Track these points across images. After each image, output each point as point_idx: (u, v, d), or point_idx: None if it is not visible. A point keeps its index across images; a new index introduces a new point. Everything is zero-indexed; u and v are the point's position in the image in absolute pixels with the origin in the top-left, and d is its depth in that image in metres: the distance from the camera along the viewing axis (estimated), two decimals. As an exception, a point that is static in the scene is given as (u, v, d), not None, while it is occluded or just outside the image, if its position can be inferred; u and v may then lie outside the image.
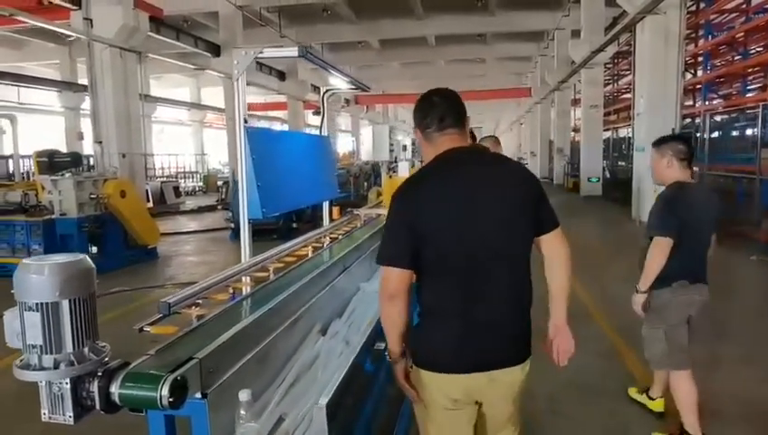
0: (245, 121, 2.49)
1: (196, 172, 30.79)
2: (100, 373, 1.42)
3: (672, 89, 10.99)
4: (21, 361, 1.38)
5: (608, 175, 19.18)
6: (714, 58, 14.79)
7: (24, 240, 7.93)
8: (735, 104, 13.57)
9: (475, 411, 1.90)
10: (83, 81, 14.70)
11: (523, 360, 1.86)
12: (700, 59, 14.77)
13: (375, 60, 26.83)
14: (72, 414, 1.40)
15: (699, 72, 15.14)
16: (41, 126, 26.23)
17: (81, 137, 18.75)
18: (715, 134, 11.97)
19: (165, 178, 24.00)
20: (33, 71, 23.27)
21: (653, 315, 3.09)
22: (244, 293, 2.25)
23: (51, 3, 12.01)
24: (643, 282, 3.00)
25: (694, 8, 13.65)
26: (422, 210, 1.75)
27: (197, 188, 27.14)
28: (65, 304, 1.36)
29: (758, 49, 13.52)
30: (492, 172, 1.85)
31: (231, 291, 2.25)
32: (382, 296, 1.81)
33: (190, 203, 18.49)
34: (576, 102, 23.49)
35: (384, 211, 4.41)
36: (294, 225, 10.49)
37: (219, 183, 20.35)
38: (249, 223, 2.59)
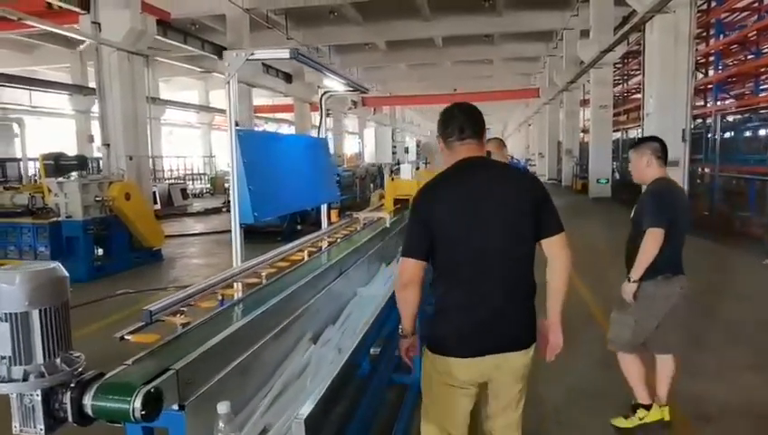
0: (237, 124, 2.44)
1: (204, 174, 30.89)
2: (72, 385, 1.38)
3: (682, 89, 10.82)
4: (-10, 372, 1.34)
5: (617, 176, 18.96)
6: (725, 57, 14.57)
7: (31, 242, 7.97)
8: (747, 104, 13.36)
9: (475, 394, 2.13)
10: (94, 84, 14.80)
11: (526, 346, 2.09)
12: (711, 58, 14.56)
13: (382, 61, 26.79)
14: (43, 427, 1.36)
15: (710, 72, 14.92)
16: (52, 129, 26.51)
17: (91, 139, 18.85)
18: (727, 135, 11.79)
19: (173, 181, 24.10)
20: (45, 74, 23.52)
21: (633, 304, 3.22)
22: (232, 299, 2.21)
23: (60, 7, 12.11)
24: (636, 271, 3.12)
25: (705, 7, 13.44)
26: (435, 211, 2.03)
27: (205, 190, 27.24)
28: (35, 314, 1.32)
29: (771, 48, 13.34)
30: (499, 180, 2.10)
31: (220, 297, 2.20)
32: (398, 283, 2.10)
33: (197, 205, 18.54)
34: (585, 103, 23.28)
35: (383, 214, 4.36)
36: (299, 226, 10.46)
37: (226, 185, 20.39)
38: (242, 227, 2.54)
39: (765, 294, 6.70)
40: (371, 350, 2.90)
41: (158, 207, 16.03)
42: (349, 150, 32.29)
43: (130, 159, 12.07)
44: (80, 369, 1.40)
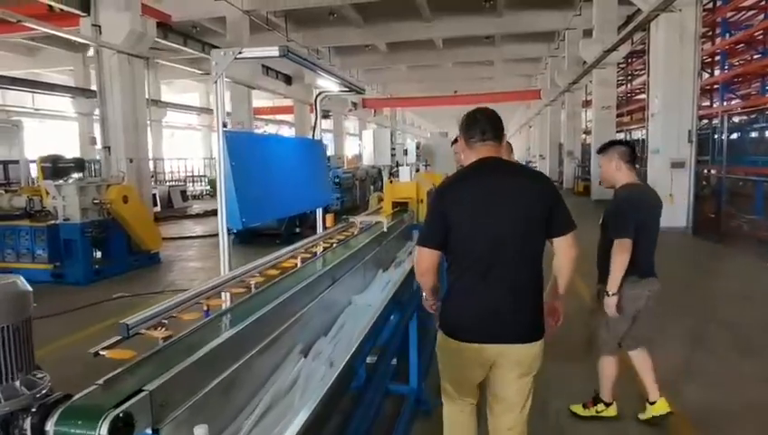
0: (224, 126, 2.33)
1: (204, 176, 30.84)
2: (34, 409, 1.27)
3: (688, 89, 10.69)
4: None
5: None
6: (731, 57, 14.41)
7: (29, 245, 7.88)
8: (754, 105, 13.20)
9: (486, 371, 2.30)
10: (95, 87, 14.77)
11: (528, 341, 2.22)
12: (717, 58, 14.39)
13: (382, 63, 26.69)
14: (1, 456, 1.26)
15: (716, 72, 14.76)
16: (56, 132, 26.52)
17: (93, 142, 18.88)
18: (734, 136, 11.64)
19: (174, 183, 24.03)
20: (48, 77, 23.51)
21: (600, 309, 3.31)
22: (217, 311, 2.09)
23: (62, 10, 12.08)
24: (613, 285, 3.17)
25: (710, 6, 13.29)
26: (453, 205, 2.20)
27: (205, 192, 27.18)
28: (-8, 333, 1.21)
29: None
30: (514, 179, 2.27)
31: (205, 308, 2.09)
32: (417, 270, 2.36)
33: (197, 207, 18.47)
34: (587, 104, 23.11)
35: (380, 218, 4.24)
36: (297, 229, 10.36)
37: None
38: (229, 234, 2.43)
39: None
40: (368, 359, 2.80)
41: (157, 209, 15.96)
42: (349, 152, 32.18)
43: (131, 161, 12.02)
44: (43, 391, 1.30)
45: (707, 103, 15.00)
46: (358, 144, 32.73)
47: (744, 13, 13.93)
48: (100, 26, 11.88)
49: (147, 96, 13.74)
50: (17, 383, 1.25)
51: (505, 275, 2.17)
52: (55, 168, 7.94)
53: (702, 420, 3.58)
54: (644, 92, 18.96)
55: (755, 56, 13.69)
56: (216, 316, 2.01)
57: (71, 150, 19.81)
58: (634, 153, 3.43)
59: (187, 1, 17.24)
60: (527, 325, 2.22)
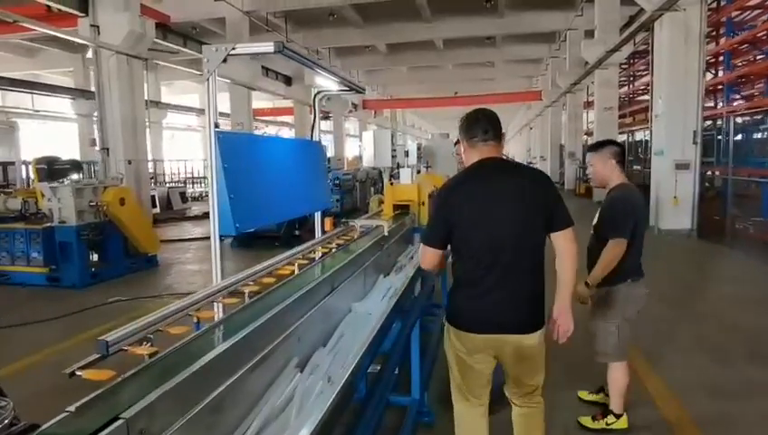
0: (216, 126, 2.21)
1: (204, 178, 30.73)
2: (-4, 440, 1.15)
3: (693, 89, 10.55)
4: None
5: (623, 181, 18.63)
6: (736, 57, 14.28)
7: (24, 248, 7.76)
8: (759, 105, 13.07)
9: (491, 363, 2.43)
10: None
11: (529, 331, 2.33)
12: (721, 58, 14.27)
13: (382, 64, 26.59)
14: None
15: (720, 73, 14.64)
16: (56, 133, 26.41)
17: (93, 143, 18.71)
18: (738, 137, 11.51)
19: (173, 184, 23.92)
20: (48, 78, 23.41)
21: (610, 310, 3.25)
22: (208, 323, 1.96)
23: (60, 10, 11.98)
24: (595, 278, 3.15)
25: (714, 5, 13.16)
26: (454, 206, 2.29)
27: (204, 193, 27.08)
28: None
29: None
30: (514, 178, 2.34)
31: (195, 320, 1.96)
32: (421, 265, 2.56)
33: (196, 208, 18.34)
34: (589, 105, 22.98)
35: (381, 222, 4.10)
36: (297, 232, 10.24)
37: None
38: (221, 240, 2.30)
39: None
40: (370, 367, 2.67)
41: (157, 210, 15.84)
42: (350, 154, 32.08)
43: (129, 163, 11.92)
44: (5, 421, 1.17)
45: (711, 104, 14.87)
46: (358, 145, 32.61)
47: (748, 12, 13.80)
48: (98, 27, 11.81)
49: (146, 97, 13.63)
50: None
51: (507, 270, 2.27)
52: (51, 169, 7.81)
53: (712, 431, 3.44)
54: (646, 93, 18.87)
55: (759, 57, 13.56)
56: (206, 330, 1.88)
57: (71, 152, 19.77)
58: (624, 154, 3.43)
59: (187, 2, 17.14)
60: (527, 316, 2.34)
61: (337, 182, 16.39)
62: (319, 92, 3.69)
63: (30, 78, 20.86)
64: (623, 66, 20.12)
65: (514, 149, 51.65)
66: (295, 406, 1.84)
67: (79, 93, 20.70)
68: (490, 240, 2.26)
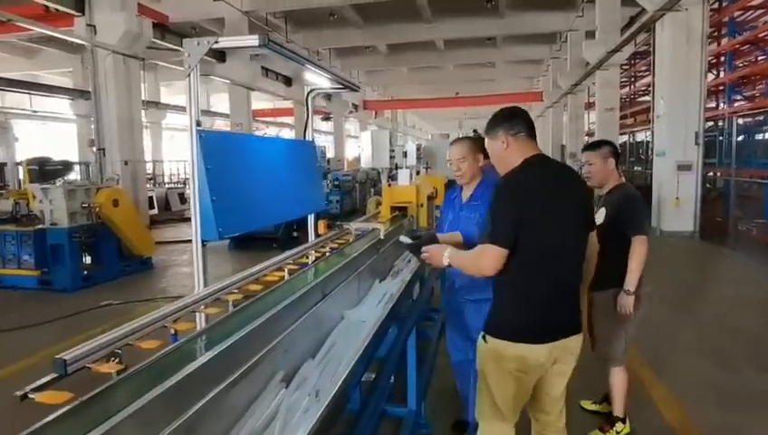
0: (198, 124, 2.08)
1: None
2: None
3: (695, 89, 10.43)
4: None
5: (623, 180, 18.55)
6: (738, 58, 14.16)
7: (15, 251, 7.62)
8: (761, 106, 12.95)
9: (534, 380, 2.26)
10: (92, 88, 14.57)
11: (579, 331, 2.29)
12: (723, 59, 14.15)
13: (383, 65, 26.48)
14: None
15: (722, 73, 14.51)
16: (55, 133, 26.30)
17: (91, 144, 18.56)
18: (740, 138, 11.39)
19: (173, 185, 23.81)
20: (47, 79, 23.29)
21: (619, 314, 3.14)
22: (186, 336, 1.83)
23: (57, 10, 11.89)
24: (632, 282, 3.06)
25: (716, 5, 13.03)
26: (528, 200, 2.11)
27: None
28: None
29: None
30: (568, 177, 2.31)
31: (172, 332, 1.83)
32: (477, 270, 2.16)
33: (196, 210, 18.19)
34: (590, 106, 22.87)
35: (377, 225, 3.97)
36: (295, 233, 10.10)
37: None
38: (204, 245, 2.17)
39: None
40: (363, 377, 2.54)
41: (155, 211, 15.71)
42: (351, 154, 31.97)
43: (126, 163, 11.81)
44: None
45: (713, 105, 14.75)
46: (357, 146, 32.49)
47: (751, 12, 13.68)
48: (94, 26, 11.72)
49: (144, 97, 13.52)
50: None
51: (563, 269, 2.20)
52: (42, 170, 7.67)
53: None
54: (648, 94, 18.76)
55: (761, 57, 13.45)
56: (181, 343, 1.75)
57: (69, 153, 19.63)
58: (618, 154, 3.42)
59: (186, 1, 17.05)
60: (579, 316, 2.31)
61: (337, 183, 16.29)
62: (312, 90, 3.56)
63: (29, 78, 20.74)
64: (624, 67, 20.00)
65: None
66: (278, 424, 1.71)
67: (77, 94, 20.55)
68: (554, 238, 2.15)
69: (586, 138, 23.96)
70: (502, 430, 2.34)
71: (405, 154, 6.25)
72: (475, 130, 9.77)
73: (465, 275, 2.65)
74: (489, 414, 2.32)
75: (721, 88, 14.28)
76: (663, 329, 5.28)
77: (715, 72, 14.61)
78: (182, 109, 27.20)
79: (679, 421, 3.53)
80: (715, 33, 13.86)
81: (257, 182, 2.60)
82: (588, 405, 3.72)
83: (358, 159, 26.23)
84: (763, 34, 12.63)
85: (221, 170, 2.18)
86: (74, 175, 15.39)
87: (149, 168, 21.29)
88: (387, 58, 25.09)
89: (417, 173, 9.18)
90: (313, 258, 3.14)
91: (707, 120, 11.99)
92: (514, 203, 2.10)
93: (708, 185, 11.89)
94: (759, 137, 12.22)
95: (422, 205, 5.58)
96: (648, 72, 18.26)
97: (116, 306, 6.53)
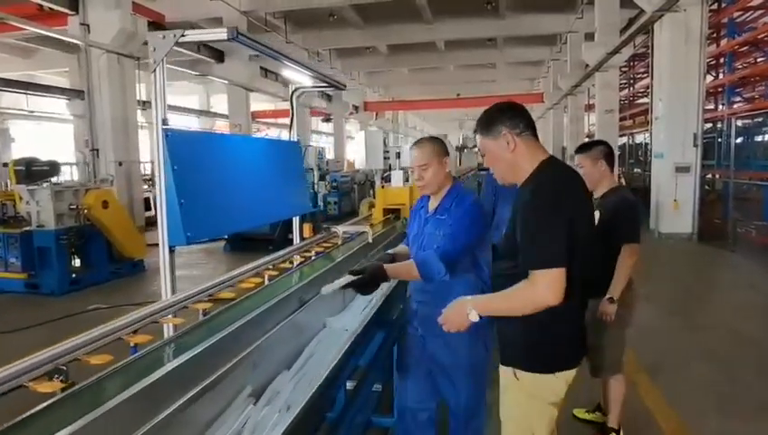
0: (165, 123, 1.96)
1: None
2: None
3: (693, 91, 10.33)
4: None
5: (623, 182, 18.49)
6: (737, 59, 14.04)
7: (2, 253, 7.49)
8: (760, 108, 12.83)
9: None
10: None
11: None
12: (722, 60, 14.03)
13: (383, 66, 26.39)
14: None
15: (721, 75, 14.40)
16: (52, 134, 26.18)
17: (86, 144, 18.47)
18: (739, 139, 11.28)
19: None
20: (44, 79, 23.16)
21: (619, 320, 3.04)
22: (145, 348, 1.71)
23: (51, 9, 11.80)
24: (617, 291, 2.97)
25: (715, 6, 12.91)
26: (574, 209, 1.82)
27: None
28: None
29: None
30: (582, 182, 2.04)
31: (132, 345, 1.71)
32: (541, 303, 1.75)
33: (192, 211, 18.05)
34: (590, 108, 22.79)
35: (365, 228, 3.85)
36: (291, 235, 9.96)
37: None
38: (172, 251, 2.05)
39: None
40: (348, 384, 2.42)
41: (151, 213, 15.56)
42: (352, 156, 31.86)
43: (120, 164, 11.70)
44: None
45: (712, 106, 14.64)
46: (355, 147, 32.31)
47: (750, 13, 13.56)
48: (88, 25, 11.63)
49: (141, 97, 13.43)
50: None
51: (584, 286, 1.95)
52: (29, 171, 7.54)
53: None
54: (647, 96, 18.64)
55: (761, 58, 13.32)
56: (137, 358, 1.62)
57: (66, 153, 19.48)
58: (613, 154, 3.28)
59: (183, 1, 16.95)
60: None
61: (335, 184, 16.19)
62: (297, 89, 3.44)
63: (26, 78, 20.63)
64: (623, 69, 19.92)
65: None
66: (241, 446, 1.59)
67: (74, 94, 20.44)
68: (587, 251, 1.91)
69: (586, 139, 23.87)
70: None
71: (398, 155, 6.14)
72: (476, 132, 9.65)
73: (432, 302, 2.42)
74: None
75: (720, 89, 14.17)
76: (660, 334, 5.17)
77: (714, 74, 14.49)
78: (181, 109, 27.27)
79: (676, 432, 3.41)
80: (715, 35, 13.74)
81: (232, 184, 2.48)
82: (581, 414, 3.60)
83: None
84: (762, 35, 12.48)
85: (190, 171, 2.06)
86: (69, 176, 15.29)
87: (148, 168, 21.14)
88: (387, 59, 25.00)
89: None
90: (297, 263, 3.01)
91: (706, 121, 11.87)
92: (565, 211, 1.78)
93: (707, 187, 11.78)
94: (758, 138, 12.09)
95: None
96: (646, 75, 18.15)
97: (103, 311, 6.40)
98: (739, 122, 11.69)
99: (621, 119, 20.17)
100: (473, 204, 2.50)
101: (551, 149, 22.55)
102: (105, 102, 11.77)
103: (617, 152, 18.25)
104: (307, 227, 3.61)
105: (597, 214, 3.11)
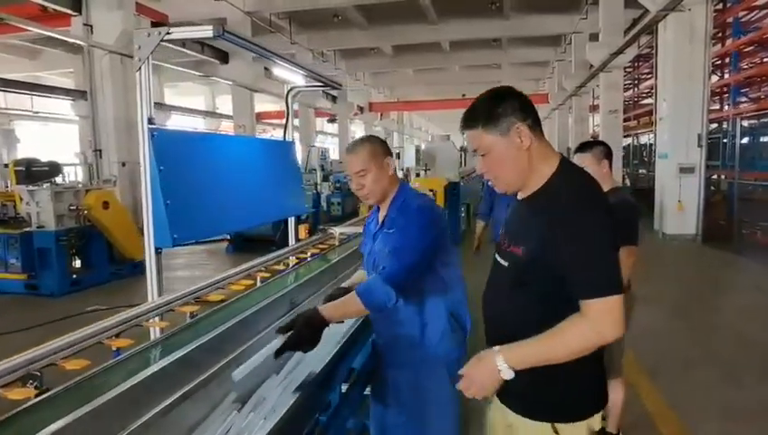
0: (150, 122, 1.92)
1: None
2: None
3: (698, 91, 10.24)
4: None
5: (627, 183, 18.40)
6: (743, 59, 13.93)
7: (1, 254, 7.49)
8: (766, 108, 12.72)
9: None
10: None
11: None
12: (727, 60, 13.92)
13: (388, 66, 26.39)
14: None
15: (726, 74, 14.28)
16: (57, 135, 26.30)
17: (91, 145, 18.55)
18: (745, 140, 11.19)
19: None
20: (50, 80, 23.27)
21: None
22: (127, 351, 1.67)
23: (55, 10, 11.84)
24: None
25: (720, 5, 12.82)
26: (615, 222, 1.48)
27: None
28: None
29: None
30: None
31: (114, 348, 1.68)
32: (606, 340, 1.43)
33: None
34: (594, 108, 22.70)
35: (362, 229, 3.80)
36: (293, 237, 9.93)
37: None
38: (158, 253, 2.02)
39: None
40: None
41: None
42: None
43: (123, 165, 11.71)
44: None
45: (717, 107, 14.53)
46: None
47: (756, 12, 13.46)
48: (91, 26, 11.66)
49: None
50: None
51: None
52: (29, 171, 7.54)
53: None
54: (651, 97, 18.53)
55: (766, 58, 13.21)
56: (118, 361, 1.59)
57: (71, 154, 19.54)
58: (612, 154, 3.21)
59: (186, 1, 16.98)
60: None
61: (338, 185, 16.16)
62: (292, 89, 3.41)
63: (31, 79, 20.74)
64: (627, 69, 19.83)
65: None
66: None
67: (78, 95, 20.52)
68: None
69: (591, 140, 23.75)
70: None
71: (398, 155, 6.07)
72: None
73: (391, 325, 2.17)
74: None
75: (725, 89, 14.06)
76: (662, 336, 5.10)
77: (719, 74, 14.37)
78: (187, 110, 27.35)
79: (676, 436, 3.36)
80: (720, 34, 13.64)
81: (221, 184, 2.44)
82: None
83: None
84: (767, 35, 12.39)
85: (176, 172, 2.03)
86: (74, 177, 15.33)
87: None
88: (392, 60, 25.00)
89: (418, 175, 9.00)
90: (291, 264, 2.98)
91: (711, 121, 11.79)
92: (611, 223, 1.47)
93: (712, 187, 11.69)
94: (764, 139, 11.98)
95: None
96: (650, 75, 18.06)
97: (102, 312, 6.36)
98: (744, 123, 11.59)
99: (626, 119, 20.08)
100: (418, 209, 2.08)
101: (555, 149, 22.44)
102: (108, 103, 11.82)
103: (621, 153, 18.19)
104: (303, 229, 3.58)
105: None
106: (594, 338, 1.42)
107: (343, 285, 2.34)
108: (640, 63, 20.13)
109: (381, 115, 34.15)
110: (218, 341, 1.86)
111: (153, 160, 1.96)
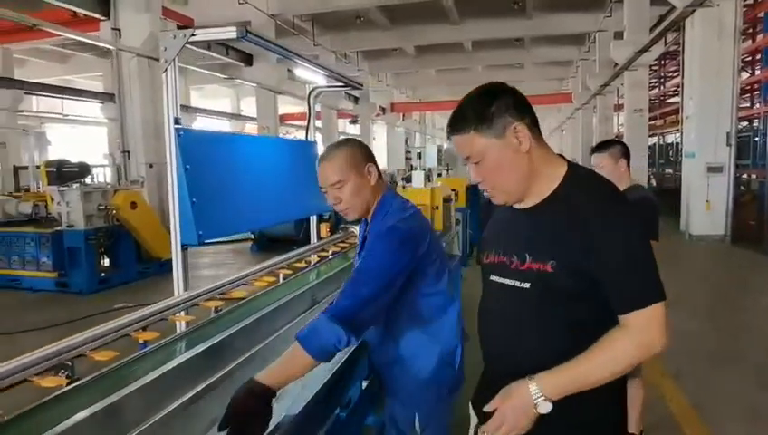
0: (177, 122, 1.98)
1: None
2: None
3: (727, 88, 10.04)
4: None
5: (653, 183, 18.10)
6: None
7: (34, 253, 7.72)
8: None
9: None
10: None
11: None
12: (758, 56, 13.59)
13: (411, 67, 26.44)
14: None
15: (757, 71, 13.95)
16: (87, 137, 26.96)
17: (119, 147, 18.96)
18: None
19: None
20: (80, 83, 23.88)
21: None
22: (155, 343, 1.73)
23: (85, 15, 12.13)
24: None
25: (750, 1, 12.53)
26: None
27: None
28: None
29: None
30: None
31: (141, 341, 1.73)
32: (651, 353, 1.32)
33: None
34: (619, 107, 22.38)
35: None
36: (315, 236, 10.02)
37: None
38: (184, 249, 2.08)
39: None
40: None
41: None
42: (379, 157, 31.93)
43: (151, 166, 11.94)
44: None
45: (747, 105, 14.20)
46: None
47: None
48: (119, 30, 11.92)
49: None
50: None
51: None
52: (60, 172, 7.76)
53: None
54: (677, 95, 18.21)
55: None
56: (145, 353, 1.64)
57: (100, 156, 20.05)
58: (629, 153, 3.20)
59: (212, 5, 17.23)
60: None
61: (358, 185, 16.17)
62: (314, 89, 3.46)
63: (62, 83, 21.29)
64: (653, 68, 19.52)
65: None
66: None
67: (107, 97, 21.00)
68: None
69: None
70: None
71: (419, 155, 6.08)
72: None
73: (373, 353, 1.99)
74: None
75: (756, 87, 13.73)
76: (688, 337, 5.01)
77: (749, 70, 14.05)
78: (213, 112, 27.73)
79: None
80: (750, 30, 13.33)
81: (244, 183, 2.50)
82: None
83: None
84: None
85: (202, 171, 2.09)
86: (102, 178, 15.67)
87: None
88: (414, 60, 25.02)
89: (439, 175, 8.98)
90: (313, 262, 3.02)
91: (741, 119, 11.53)
92: (642, 223, 1.39)
93: (741, 187, 11.44)
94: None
95: (437, 207, 5.42)
96: (677, 73, 17.74)
97: (129, 309, 6.51)
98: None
99: (651, 118, 19.77)
100: (390, 230, 1.71)
101: (580, 150, 22.29)
102: (136, 105, 12.05)
103: (647, 153, 17.91)
104: (324, 227, 3.62)
105: None
106: (642, 351, 1.29)
107: None
108: (667, 61, 19.78)
109: (403, 116, 34.18)
110: (242, 335, 1.90)
111: (179, 160, 2.02)
